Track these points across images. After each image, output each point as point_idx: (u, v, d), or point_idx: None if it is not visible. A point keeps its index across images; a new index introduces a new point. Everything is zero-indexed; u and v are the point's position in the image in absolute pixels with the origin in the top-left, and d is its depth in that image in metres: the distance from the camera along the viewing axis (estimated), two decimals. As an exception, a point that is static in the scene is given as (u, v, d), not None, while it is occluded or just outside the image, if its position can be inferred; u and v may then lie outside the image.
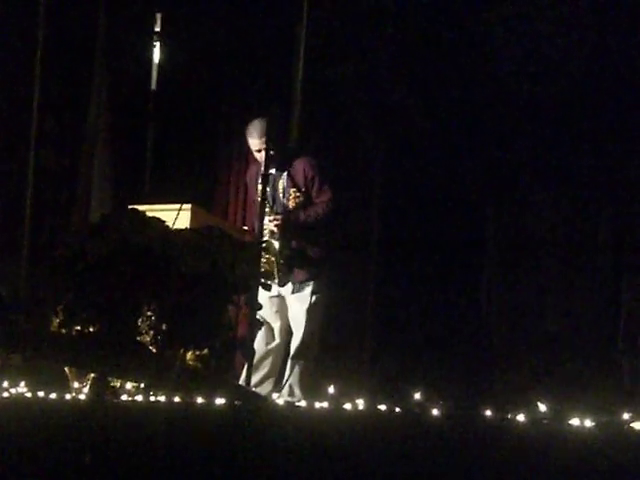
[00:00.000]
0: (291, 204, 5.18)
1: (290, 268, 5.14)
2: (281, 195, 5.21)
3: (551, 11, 5.89)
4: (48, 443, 3.54)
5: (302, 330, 5.15)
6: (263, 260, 4.86)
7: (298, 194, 5.17)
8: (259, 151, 5.14)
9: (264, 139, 5.02)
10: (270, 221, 5.13)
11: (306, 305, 5.16)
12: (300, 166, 5.20)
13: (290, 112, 5.59)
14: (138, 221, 4.48)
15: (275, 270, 5.09)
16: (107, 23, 6.67)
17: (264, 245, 4.90)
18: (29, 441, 3.56)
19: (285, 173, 5.21)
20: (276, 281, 5.09)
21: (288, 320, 5.23)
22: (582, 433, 3.24)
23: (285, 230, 5.14)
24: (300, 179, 5.19)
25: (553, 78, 5.92)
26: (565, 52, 5.86)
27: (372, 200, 6.37)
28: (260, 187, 5.06)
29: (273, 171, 5.19)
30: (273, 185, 5.22)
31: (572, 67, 5.87)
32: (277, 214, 5.17)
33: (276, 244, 5.13)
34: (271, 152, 4.88)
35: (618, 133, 5.84)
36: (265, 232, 5.04)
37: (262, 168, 4.98)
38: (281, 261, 5.11)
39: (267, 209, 5.08)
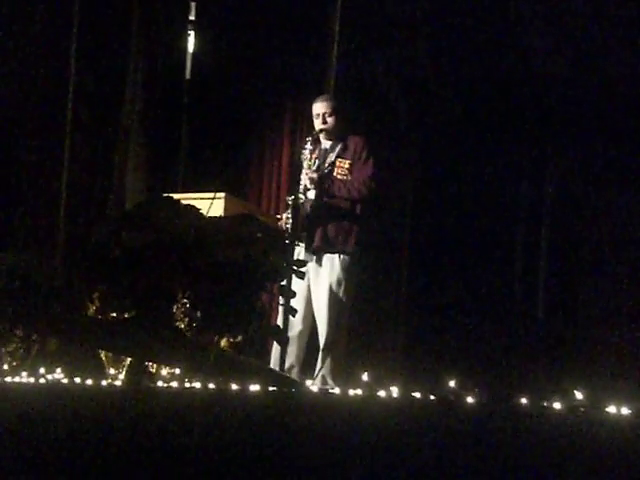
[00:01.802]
0: (336, 173, 5.21)
1: (313, 230, 5.13)
2: (327, 166, 5.25)
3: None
4: (84, 429, 3.56)
5: (328, 318, 5.12)
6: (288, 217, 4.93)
7: (345, 165, 5.21)
8: (318, 116, 5.27)
9: (328, 104, 5.27)
10: (306, 174, 5.17)
11: (331, 286, 5.12)
12: (354, 141, 5.29)
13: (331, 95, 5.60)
14: (172, 209, 4.50)
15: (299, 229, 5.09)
16: (142, 12, 6.70)
17: (293, 200, 4.95)
18: (66, 427, 3.58)
19: (339, 146, 5.27)
20: (302, 245, 5.08)
21: (313, 307, 5.22)
22: (619, 421, 3.21)
23: (318, 189, 5.16)
24: (350, 152, 5.26)
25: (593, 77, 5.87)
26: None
27: (407, 188, 6.34)
28: (307, 155, 5.14)
29: (327, 144, 5.30)
30: (324, 156, 5.28)
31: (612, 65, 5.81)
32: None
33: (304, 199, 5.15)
34: (330, 118, 5.16)
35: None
36: (300, 187, 5.13)
37: (317, 133, 5.22)
38: (307, 216, 5.12)
39: (309, 169, 5.17)
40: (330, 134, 5.30)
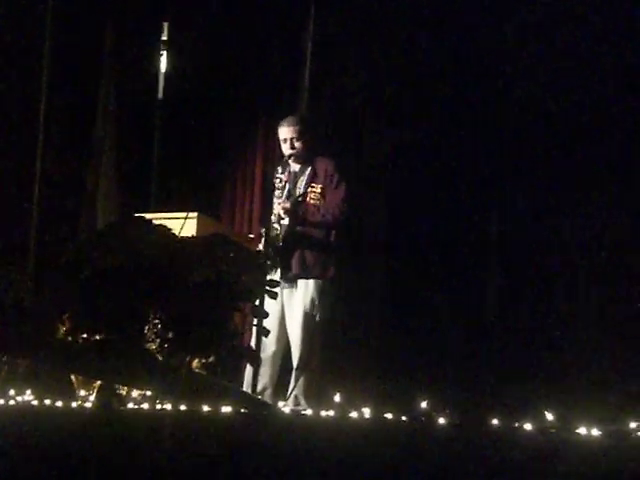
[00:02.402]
0: (309, 198, 5.21)
1: (288, 257, 5.13)
2: (298, 191, 5.25)
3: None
4: (54, 451, 3.52)
5: (301, 339, 5.12)
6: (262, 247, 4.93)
7: (317, 190, 5.21)
8: (286, 141, 5.25)
9: (295, 128, 5.22)
10: (279, 204, 5.17)
11: (304, 308, 5.13)
12: (323, 164, 5.28)
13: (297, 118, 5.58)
14: (144, 229, 4.48)
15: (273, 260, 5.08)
16: (114, 32, 6.69)
17: (266, 230, 4.95)
18: (35, 449, 3.54)
19: (308, 169, 5.26)
20: (274, 273, 5.08)
21: (286, 328, 5.22)
22: (589, 442, 3.23)
23: (292, 217, 5.15)
24: (321, 176, 5.26)
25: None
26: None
27: (380, 207, 6.35)
28: (278, 178, 5.15)
29: (297, 168, 5.28)
30: (294, 180, 5.27)
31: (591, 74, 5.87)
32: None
33: (278, 230, 5.15)
34: (297, 143, 5.16)
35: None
36: (272, 217, 5.13)
37: (286, 159, 5.20)
38: (280, 243, 5.12)
39: (280, 198, 5.17)
40: (299, 158, 5.30)
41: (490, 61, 6.09)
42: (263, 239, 4.99)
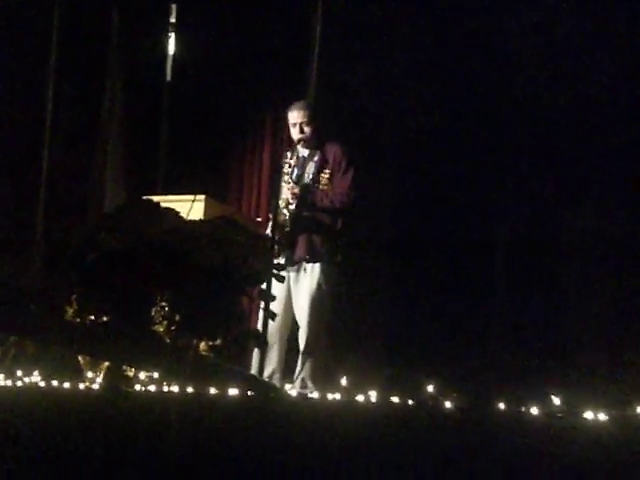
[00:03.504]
0: (317, 184, 5.20)
1: (295, 241, 5.13)
2: (307, 176, 5.24)
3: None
4: (61, 432, 3.54)
5: (308, 322, 5.13)
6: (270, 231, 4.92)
7: (325, 176, 5.21)
8: (295, 125, 5.23)
9: (304, 113, 5.20)
10: (288, 189, 5.17)
11: (311, 292, 5.14)
12: (332, 149, 5.27)
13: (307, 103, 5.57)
14: (151, 212, 4.49)
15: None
16: (121, 15, 6.68)
17: (274, 215, 4.94)
18: (42, 430, 3.56)
19: (317, 154, 5.25)
20: (282, 258, 5.08)
21: (293, 312, 5.23)
22: (596, 426, 3.23)
23: (300, 202, 5.16)
24: (330, 161, 5.24)
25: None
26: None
27: (389, 192, 6.34)
28: (287, 170, 5.14)
29: (305, 152, 5.27)
30: (302, 164, 5.27)
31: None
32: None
33: (287, 215, 5.15)
34: (306, 127, 5.14)
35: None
36: (280, 202, 5.10)
37: (295, 143, 5.17)
38: (288, 228, 5.12)
39: (288, 183, 5.17)
40: (308, 143, 5.29)
41: (503, 51, 6.06)
42: (271, 223, 4.98)
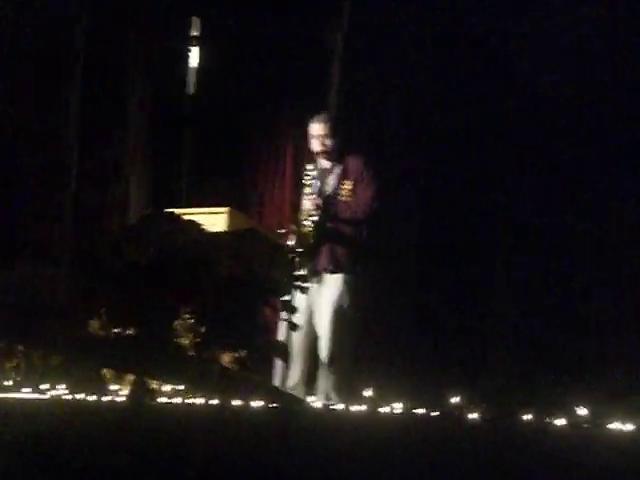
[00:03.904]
0: (340, 195, 5.21)
1: (318, 252, 5.13)
2: (328, 188, 5.25)
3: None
4: (87, 445, 3.55)
5: (330, 333, 5.12)
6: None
7: (347, 187, 5.21)
8: (316, 138, 5.25)
9: (326, 125, 5.23)
10: (309, 201, 5.18)
11: (333, 303, 5.12)
12: (354, 161, 5.28)
13: (329, 116, 5.58)
14: (174, 224, 4.51)
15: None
16: (144, 28, 6.72)
17: (296, 227, 4.93)
18: (68, 443, 3.57)
19: (339, 167, 5.27)
20: (304, 270, 5.07)
21: (315, 323, 5.22)
22: (622, 437, 3.20)
23: (323, 213, 5.16)
24: (352, 173, 5.25)
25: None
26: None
27: (412, 205, 6.34)
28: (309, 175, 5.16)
29: (327, 165, 5.29)
30: (323, 177, 5.28)
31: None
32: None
33: (309, 227, 5.16)
34: (327, 140, 5.16)
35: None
36: (303, 214, 5.12)
37: (316, 155, 5.20)
38: (311, 240, 5.12)
39: (310, 195, 5.18)
40: (329, 155, 5.30)
41: (524, 55, 6.05)
42: (293, 236, 4.99)
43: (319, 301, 5.18)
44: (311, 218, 5.19)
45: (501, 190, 6.09)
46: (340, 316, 5.13)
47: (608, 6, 5.81)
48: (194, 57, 6.38)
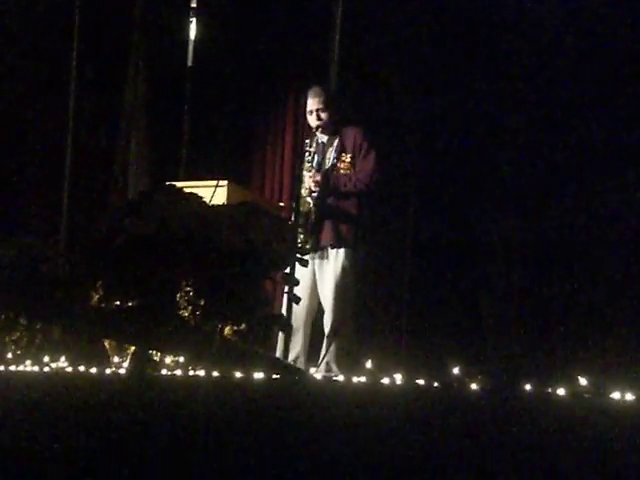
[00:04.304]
0: (339, 169, 5.18)
1: (320, 228, 5.12)
2: (327, 162, 5.22)
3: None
4: (88, 417, 3.56)
5: (333, 306, 5.13)
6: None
7: (347, 160, 5.18)
8: (312, 113, 5.21)
9: (320, 99, 5.18)
10: (309, 177, 5.15)
11: (336, 277, 5.12)
12: (351, 133, 5.25)
13: (324, 88, 5.54)
14: (175, 197, 4.49)
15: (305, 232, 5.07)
16: (143, 0, 6.68)
17: (296, 204, 4.92)
18: (69, 415, 3.58)
19: (336, 140, 5.22)
20: (307, 246, 5.07)
21: (318, 296, 5.22)
22: (623, 407, 3.21)
23: (323, 188, 5.13)
24: (349, 145, 5.22)
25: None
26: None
27: (410, 177, 6.32)
28: (307, 151, 5.12)
29: (325, 139, 5.24)
30: (322, 151, 5.25)
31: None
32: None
33: (310, 203, 5.14)
34: (323, 114, 5.11)
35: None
36: (303, 191, 5.08)
37: (314, 130, 5.16)
38: (312, 219, 5.11)
39: (309, 170, 5.15)
40: (326, 129, 5.26)
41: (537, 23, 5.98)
42: (294, 213, 4.97)
43: (322, 275, 5.18)
44: (312, 194, 5.17)
45: (506, 162, 6.06)
46: (344, 289, 5.14)
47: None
48: (192, 29, 6.33)
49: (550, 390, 3.42)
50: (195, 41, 6.33)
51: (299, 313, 5.08)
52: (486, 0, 6.06)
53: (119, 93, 6.79)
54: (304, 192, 5.14)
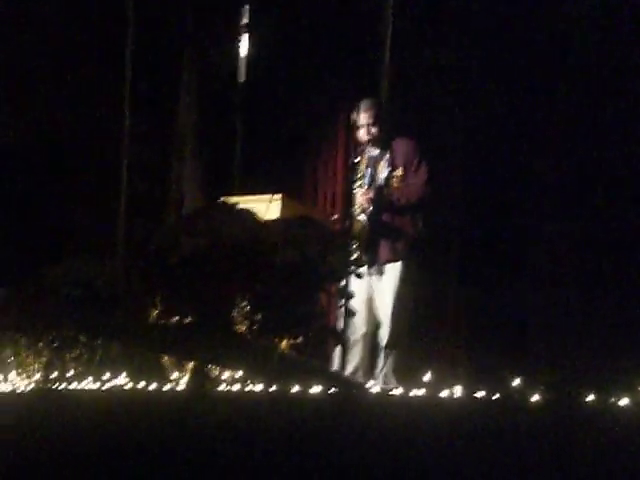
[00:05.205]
0: (391, 183, 5.17)
1: (376, 245, 5.11)
2: (379, 177, 5.21)
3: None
4: (147, 433, 3.59)
5: (390, 319, 5.11)
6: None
7: (398, 174, 5.16)
8: (362, 127, 5.22)
9: (370, 113, 5.18)
10: (362, 195, 5.14)
11: (393, 290, 5.11)
12: (402, 146, 5.23)
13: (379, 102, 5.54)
14: (228, 214, 4.53)
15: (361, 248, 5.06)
16: (195, 17, 6.75)
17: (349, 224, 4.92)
18: (131, 431, 3.61)
19: (387, 154, 5.21)
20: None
21: (376, 309, 5.21)
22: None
23: (376, 205, 5.12)
24: (400, 159, 5.20)
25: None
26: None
27: (461, 186, 6.29)
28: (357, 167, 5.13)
29: (375, 153, 5.23)
30: (373, 165, 5.24)
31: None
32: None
33: (364, 221, 5.13)
34: (374, 128, 5.11)
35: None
36: (356, 208, 5.08)
37: (362, 145, 5.17)
38: (366, 236, 5.10)
39: (363, 187, 5.14)
40: (377, 143, 5.25)
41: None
42: (348, 232, 4.97)
43: (379, 288, 5.18)
44: (365, 212, 5.16)
45: (552, 173, 6.01)
46: (399, 303, 5.13)
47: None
48: (244, 45, 6.38)
49: (613, 400, 3.36)
50: (247, 57, 6.38)
51: (357, 326, 5.08)
52: (539, 20, 6.01)
53: (173, 109, 6.86)
54: (357, 210, 5.13)
